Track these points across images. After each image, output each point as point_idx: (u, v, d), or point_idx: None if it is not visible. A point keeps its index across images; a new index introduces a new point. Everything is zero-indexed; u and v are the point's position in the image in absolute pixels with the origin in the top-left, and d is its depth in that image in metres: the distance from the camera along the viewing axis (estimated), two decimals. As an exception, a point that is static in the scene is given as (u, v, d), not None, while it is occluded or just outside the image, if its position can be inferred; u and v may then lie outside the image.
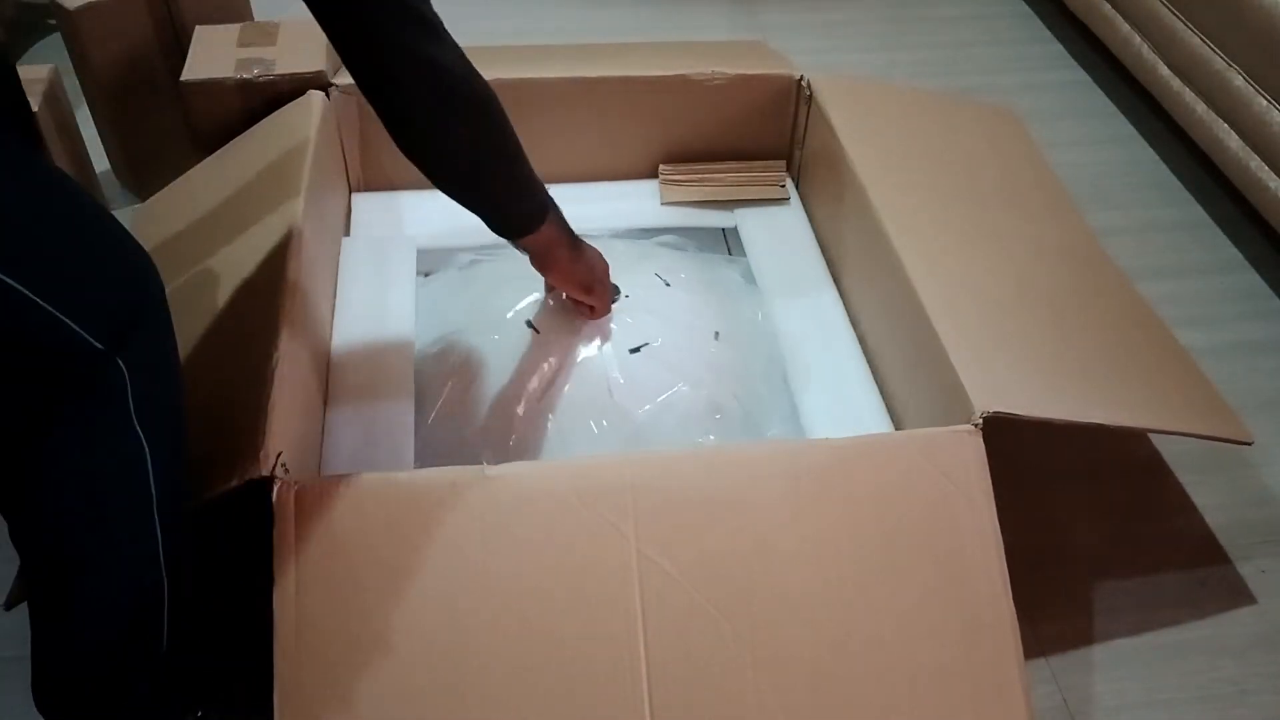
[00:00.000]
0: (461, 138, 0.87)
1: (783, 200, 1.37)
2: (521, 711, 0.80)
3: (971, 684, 0.84)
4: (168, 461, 0.74)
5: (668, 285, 1.20)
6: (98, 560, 0.75)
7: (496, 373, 1.11)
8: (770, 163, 1.40)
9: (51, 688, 0.79)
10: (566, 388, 1.09)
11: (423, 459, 1.03)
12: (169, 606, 0.78)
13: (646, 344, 1.12)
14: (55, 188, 0.69)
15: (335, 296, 1.18)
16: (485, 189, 0.92)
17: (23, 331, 0.64)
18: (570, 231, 1.03)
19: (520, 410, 1.08)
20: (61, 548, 0.74)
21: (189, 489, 0.81)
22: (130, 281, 0.72)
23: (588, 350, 1.12)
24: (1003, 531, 0.88)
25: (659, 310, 1.16)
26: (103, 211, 0.72)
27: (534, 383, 1.09)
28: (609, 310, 1.13)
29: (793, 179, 1.42)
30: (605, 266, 1.11)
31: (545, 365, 1.10)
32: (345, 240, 1.27)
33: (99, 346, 0.67)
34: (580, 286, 1.09)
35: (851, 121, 1.28)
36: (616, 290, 1.15)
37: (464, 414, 1.09)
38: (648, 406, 1.08)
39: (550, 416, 1.08)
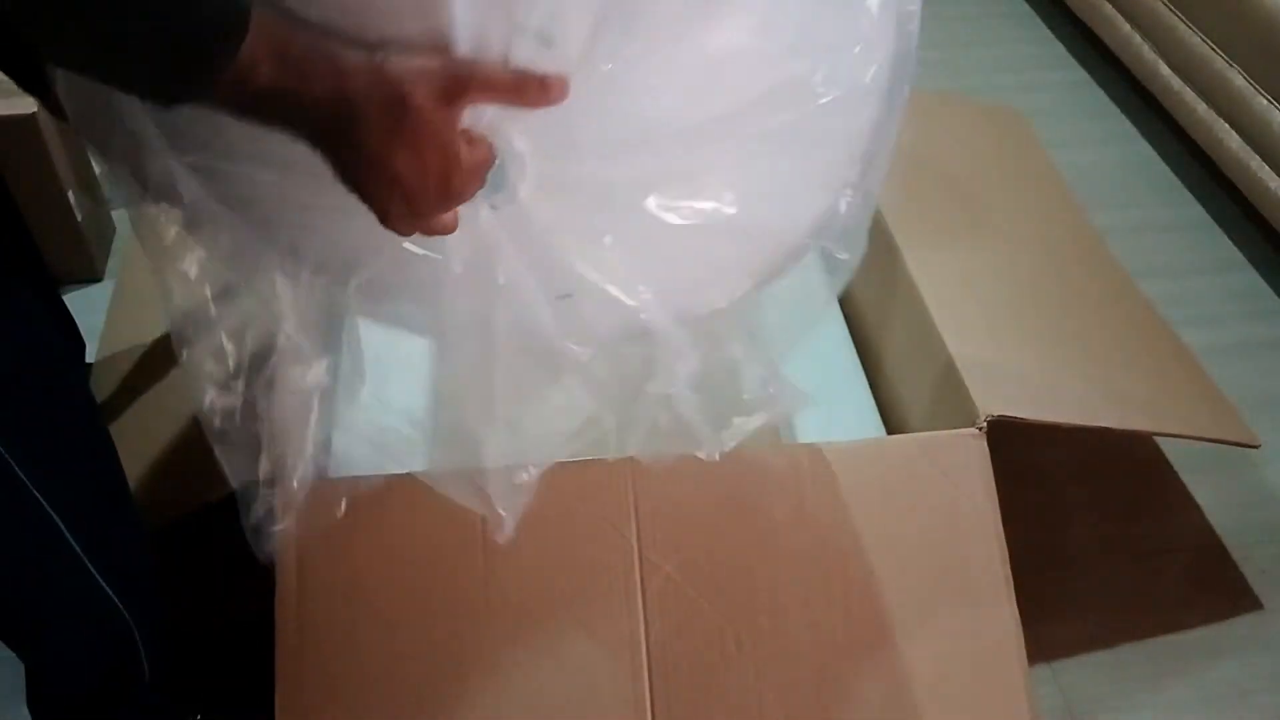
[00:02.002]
0: None
1: None
2: (523, 714, 0.80)
3: (974, 686, 0.84)
4: (89, 515, 0.70)
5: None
6: (49, 628, 0.74)
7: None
8: None
9: (44, 706, 0.80)
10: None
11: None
12: (144, 643, 0.77)
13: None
14: None
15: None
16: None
17: None
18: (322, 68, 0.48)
19: None
20: (7, 622, 0.73)
21: (138, 525, 0.78)
22: None
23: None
24: (1004, 532, 0.88)
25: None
26: None
27: None
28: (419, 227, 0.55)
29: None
30: (438, 158, 0.52)
31: None
32: None
33: None
34: (351, 185, 0.52)
35: (854, 122, 1.28)
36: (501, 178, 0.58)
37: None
38: None
39: None
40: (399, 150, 0.50)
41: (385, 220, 0.54)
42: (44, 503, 0.66)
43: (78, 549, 0.69)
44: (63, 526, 0.68)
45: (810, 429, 1.09)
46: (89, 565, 0.70)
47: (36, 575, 0.70)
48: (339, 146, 0.50)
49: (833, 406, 1.12)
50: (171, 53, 0.45)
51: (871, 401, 1.12)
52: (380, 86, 0.49)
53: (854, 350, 1.18)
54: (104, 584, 0.72)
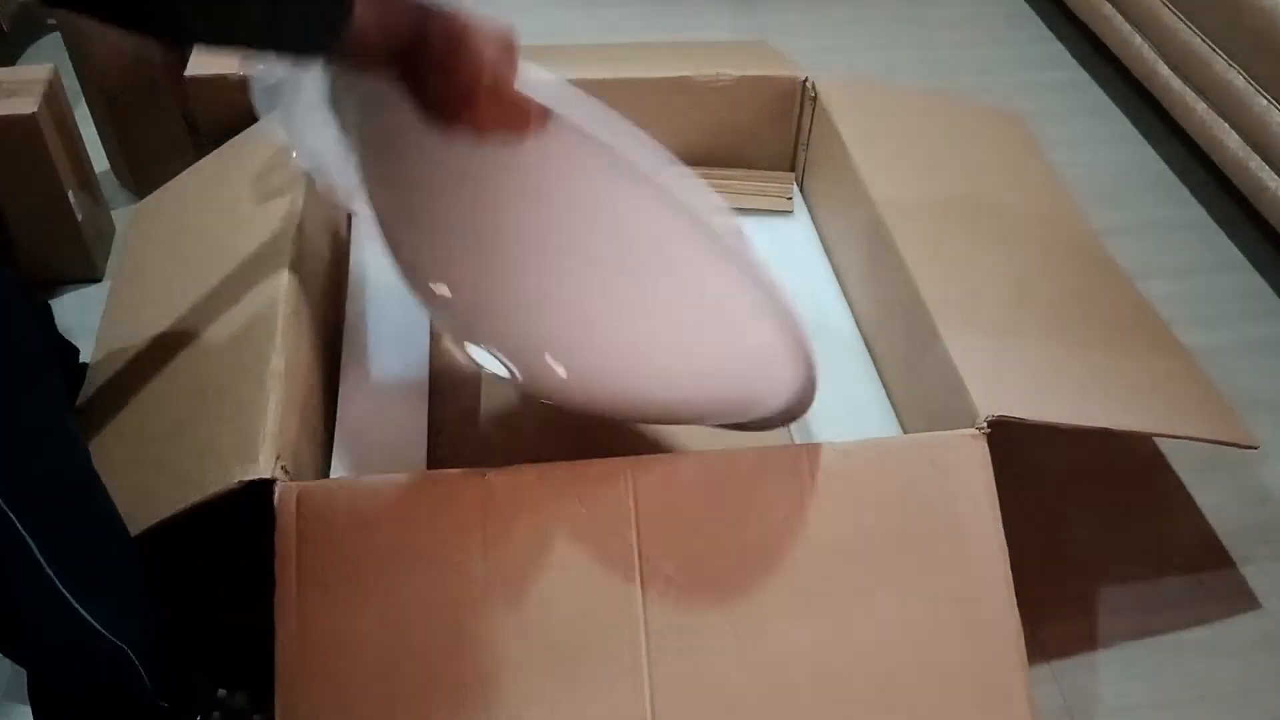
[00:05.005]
0: None
1: (787, 212, 1.37)
2: (523, 715, 0.80)
3: (974, 687, 0.84)
4: (61, 534, 0.69)
5: None
6: (39, 654, 0.73)
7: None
8: (778, 173, 1.40)
9: (45, 705, 0.80)
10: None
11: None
12: (142, 662, 0.76)
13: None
14: None
15: (347, 284, 1.18)
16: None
17: None
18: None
19: None
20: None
21: (123, 548, 0.77)
22: None
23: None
24: (1004, 532, 0.88)
25: None
26: None
27: None
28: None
29: (796, 181, 1.41)
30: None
31: None
32: (356, 221, 1.27)
33: None
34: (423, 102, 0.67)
35: (856, 123, 1.28)
36: None
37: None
38: None
39: None
40: (459, 65, 0.64)
41: (448, 120, 0.67)
42: (12, 517, 0.65)
43: (46, 566, 0.68)
44: (31, 541, 0.66)
45: (828, 430, 1.09)
46: (59, 586, 0.69)
47: (17, 607, 0.69)
48: (416, 68, 0.64)
49: (852, 406, 1.12)
50: (309, 23, 0.59)
51: (888, 403, 1.12)
52: (450, 25, 0.63)
53: (866, 351, 1.18)
54: (77, 606, 0.71)
